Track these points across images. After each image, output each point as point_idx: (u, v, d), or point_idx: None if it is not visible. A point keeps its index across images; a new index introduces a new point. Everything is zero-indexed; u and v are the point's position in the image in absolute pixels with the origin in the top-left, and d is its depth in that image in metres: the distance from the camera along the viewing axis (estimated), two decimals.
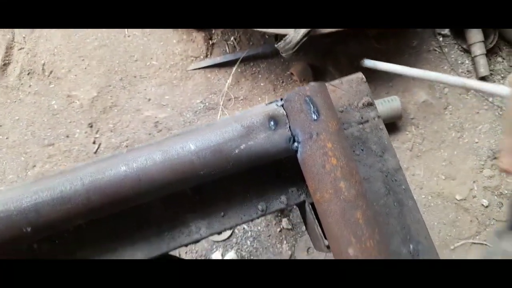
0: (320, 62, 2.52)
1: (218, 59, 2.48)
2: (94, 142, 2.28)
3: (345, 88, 0.99)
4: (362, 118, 0.96)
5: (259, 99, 2.45)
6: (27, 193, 0.73)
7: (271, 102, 0.91)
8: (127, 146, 2.28)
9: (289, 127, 0.83)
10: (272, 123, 0.84)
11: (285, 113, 0.84)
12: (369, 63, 2.26)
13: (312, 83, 0.84)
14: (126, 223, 0.85)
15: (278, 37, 2.16)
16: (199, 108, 2.39)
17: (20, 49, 2.47)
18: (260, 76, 2.49)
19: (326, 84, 0.98)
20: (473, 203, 2.26)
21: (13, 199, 0.73)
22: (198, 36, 2.53)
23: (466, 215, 2.23)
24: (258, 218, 0.86)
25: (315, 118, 0.81)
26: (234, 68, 2.47)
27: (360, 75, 1.01)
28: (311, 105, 0.83)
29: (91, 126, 2.31)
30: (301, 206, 0.91)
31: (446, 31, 2.57)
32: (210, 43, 2.55)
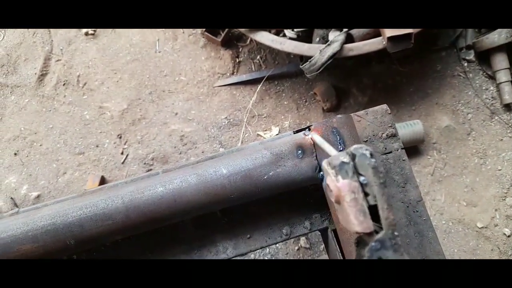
0: (344, 83, 2.56)
1: (244, 77, 2.55)
2: (122, 153, 2.38)
3: (370, 119, 1.03)
4: (385, 149, 1.00)
5: (282, 117, 2.50)
6: (72, 209, 0.80)
7: (298, 131, 0.96)
8: (153, 159, 2.36)
9: (316, 156, 0.88)
10: (299, 151, 0.88)
11: (312, 143, 0.89)
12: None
13: (339, 116, 0.89)
14: (158, 240, 0.90)
15: (304, 58, 2.21)
16: (224, 124, 2.46)
17: (57, 60, 2.61)
18: (284, 94, 2.55)
19: (352, 114, 1.02)
20: (494, 231, 2.23)
21: (60, 213, 0.80)
22: (225, 54, 2.62)
23: (487, 243, 2.20)
24: (282, 242, 0.90)
25: (341, 149, 0.86)
26: (259, 86, 2.54)
27: (384, 106, 1.05)
28: (337, 136, 0.88)
29: (120, 137, 2.41)
30: (323, 232, 0.95)
31: (471, 56, 2.57)
32: (237, 61, 2.63)
